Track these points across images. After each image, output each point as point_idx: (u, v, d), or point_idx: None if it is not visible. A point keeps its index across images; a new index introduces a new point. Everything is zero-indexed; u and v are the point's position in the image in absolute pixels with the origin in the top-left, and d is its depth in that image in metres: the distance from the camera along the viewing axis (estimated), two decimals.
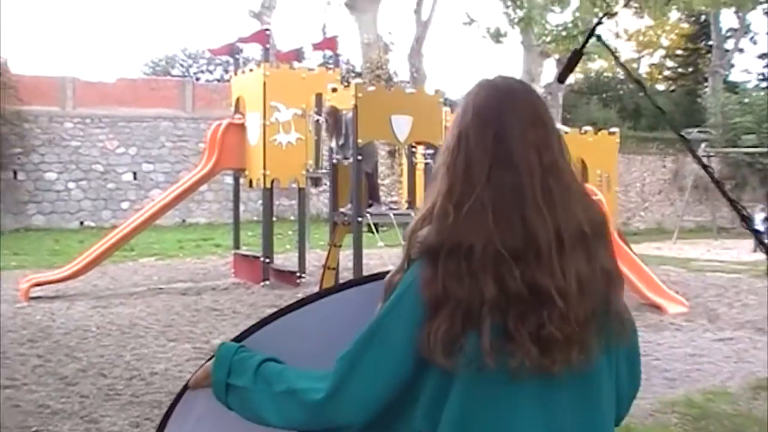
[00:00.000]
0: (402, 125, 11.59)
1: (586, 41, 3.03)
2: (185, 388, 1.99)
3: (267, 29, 14.98)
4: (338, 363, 1.71)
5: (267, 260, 13.81)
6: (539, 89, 31.55)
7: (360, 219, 11.27)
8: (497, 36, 21.41)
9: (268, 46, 14.89)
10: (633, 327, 1.83)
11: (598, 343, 1.71)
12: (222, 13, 70.90)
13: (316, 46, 16.07)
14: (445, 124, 12.30)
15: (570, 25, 13.67)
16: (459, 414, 1.67)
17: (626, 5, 15.80)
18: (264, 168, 13.49)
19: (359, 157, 11.28)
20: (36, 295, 12.64)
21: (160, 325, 10.61)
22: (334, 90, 12.37)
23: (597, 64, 47.99)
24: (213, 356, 1.88)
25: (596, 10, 14.63)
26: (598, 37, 3.04)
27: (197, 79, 37.50)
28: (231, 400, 1.82)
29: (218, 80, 39.52)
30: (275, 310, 2.03)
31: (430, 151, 13.82)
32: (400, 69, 32.02)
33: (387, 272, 1.84)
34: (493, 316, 1.63)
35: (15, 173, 23.87)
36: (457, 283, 1.64)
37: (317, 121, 13.43)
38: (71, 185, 24.32)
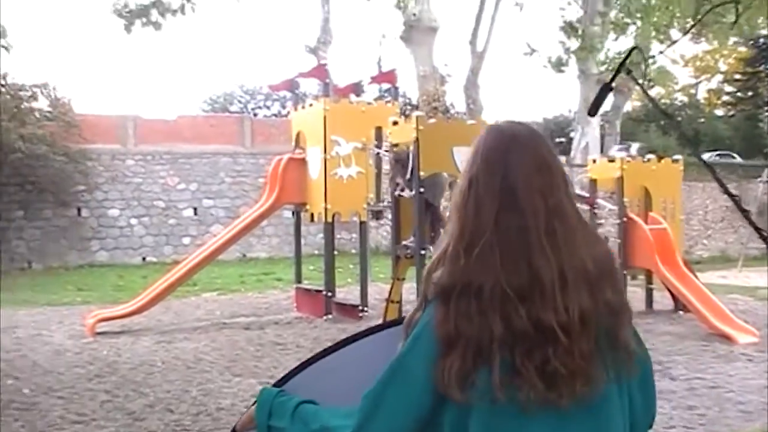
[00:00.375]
0: (464, 157, 11.53)
1: (615, 75, 3.10)
2: (233, 431, 2.18)
3: (325, 64, 15.08)
4: (363, 400, 1.84)
5: (329, 294, 13.78)
6: (597, 117, 31.32)
7: (423, 252, 11.22)
8: (558, 65, 21.32)
9: (327, 80, 14.98)
10: (643, 358, 1.91)
11: (605, 375, 1.80)
12: (278, 49, 71.83)
13: (375, 79, 16.10)
14: None
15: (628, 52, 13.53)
16: None
17: (686, 33, 15.62)
18: (325, 202, 13.51)
19: (422, 189, 11.26)
20: (102, 330, 12.79)
21: (224, 360, 10.63)
22: (395, 123, 12.38)
23: (654, 91, 47.52)
24: (256, 401, 2.10)
25: (654, 34, 14.48)
26: (628, 71, 3.09)
27: (255, 114, 37.99)
28: None
29: (275, 115, 40.00)
30: (316, 352, 2.23)
31: None
32: (457, 100, 32.02)
33: (385, 325, 2.11)
34: (502, 353, 1.73)
35: (79, 210, 24.32)
36: (467, 322, 1.75)
37: (377, 154, 13.44)
38: (133, 221, 24.69)
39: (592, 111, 3.62)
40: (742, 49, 44.01)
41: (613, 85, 3.14)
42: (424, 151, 11.30)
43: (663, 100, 48.19)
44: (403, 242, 11.89)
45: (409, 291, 12.60)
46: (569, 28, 14.94)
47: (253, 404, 2.10)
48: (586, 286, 1.79)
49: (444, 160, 11.47)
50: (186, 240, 24.73)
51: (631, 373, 1.86)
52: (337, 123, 13.71)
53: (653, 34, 14.12)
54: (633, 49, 3.56)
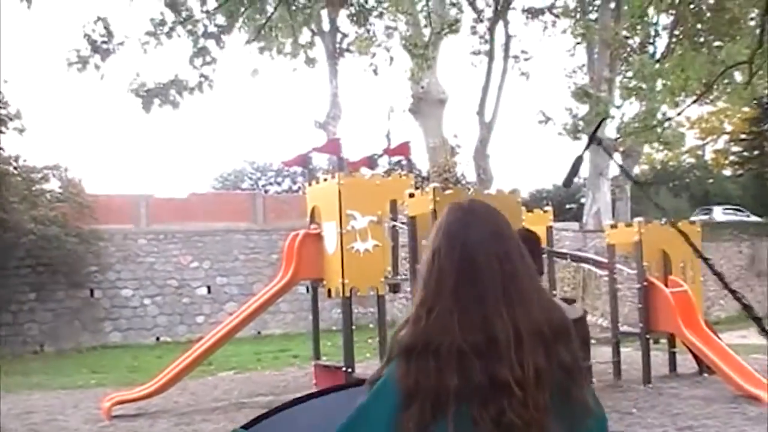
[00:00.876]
0: None
1: (588, 146, 3.42)
2: None
3: (338, 138, 15.11)
4: None
5: (349, 369, 13.57)
6: (607, 182, 31.36)
7: None
8: (575, 132, 21.40)
9: (341, 154, 15.00)
10: (600, 417, 2.03)
11: (559, 428, 1.92)
12: (288, 125, 72.56)
13: (389, 152, 16.13)
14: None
15: (644, 116, 13.56)
16: None
17: (702, 95, 15.68)
18: (343, 277, 13.37)
19: None
20: (118, 414, 12.59)
21: None
22: (412, 195, 12.32)
23: (661, 155, 47.70)
24: None
25: (669, 98, 14.53)
26: (599, 142, 3.34)
27: (266, 191, 38.13)
28: None
29: (287, 191, 40.15)
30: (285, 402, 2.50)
31: None
32: (467, 170, 32.12)
33: (352, 385, 2.35)
34: (458, 405, 1.87)
35: (92, 291, 24.26)
36: (426, 377, 1.90)
37: (393, 227, 13.36)
38: (147, 301, 24.59)
39: (567, 182, 3.87)
40: (746, 109, 44.22)
41: (584, 155, 3.35)
42: None
43: (671, 163, 48.37)
44: None
45: None
46: (583, 94, 15.01)
47: None
48: (542, 346, 1.95)
49: None
50: (200, 319, 24.60)
51: (584, 429, 1.99)
52: (352, 197, 13.65)
53: (668, 98, 14.16)
54: (603, 119, 3.40)
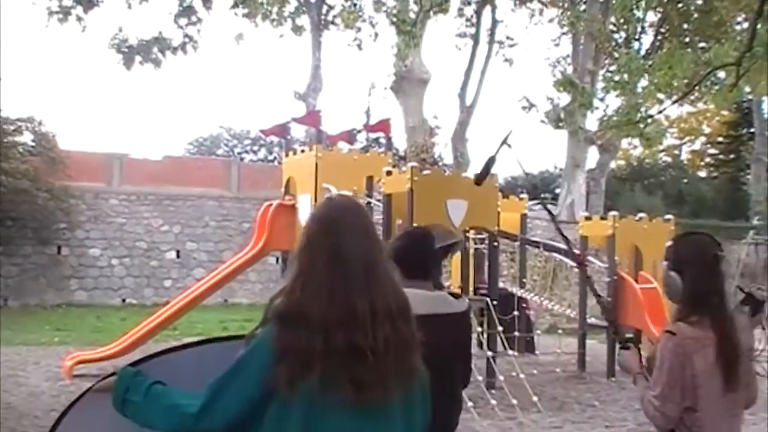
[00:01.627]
0: (457, 210, 11.43)
1: (499, 149, 3.74)
2: (89, 389, 2.73)
3: (319, 110, 14.98)
4: (209, 387, 2.41)
5: None
6: (583, 174, 31.44)
7: None
8: (557, 121, 21.36)
9: (320, 127, 14.88)
10: (423, 378, 2.55)
11: (398, 387, 2.44)
12: (267, 94, 71.86)
13: (369, 128, 16.02)
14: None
15: (628, 110, 13.53)
16: (299, 430, 2.34)
17: (687, 94, 15.66)
18: None
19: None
20: (79, 373, 12.46)
21: None
22: (389, 173, 12.25)
23: (638, 151, 47.86)
24: (113, 373, 2.60)
25: (654, 95, 14.51)
26: (510, 146, 3.73)
27: (242, 159, 37.85)
28: (126, 410, 2.54)
29: (262, 160, 39.86)
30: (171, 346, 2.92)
31: (482, 236, 13.68)
32: (445, 153, 32.09)
33: (235, 337, 2.77)
34: (322, 365, 2.31)
35: (59, 248, 24.02)
36: (296, 340, 2.33)
37: (369, 203, 13.30)
38: (114, 262, 24.39)
39: (478, 180, 4.27)
40: (725, 112, 44.42)
41: (497, 156, 3.75)
42: (417, 202, 11.17)
43: (647, 161, 48.52)
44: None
45: None
46: (568, 83, 14.94)
47: (109, 375, 2.62)
48: (389, 321, 2.43)
49: (437, 213, 11.33)
50: (167, 283, 24.43)
51: (414, 388, 2.52)
52: (328, 171, 13.58)
53: (652, 95, 14.15)
54: (509, 134, 3.94)
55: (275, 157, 40.31)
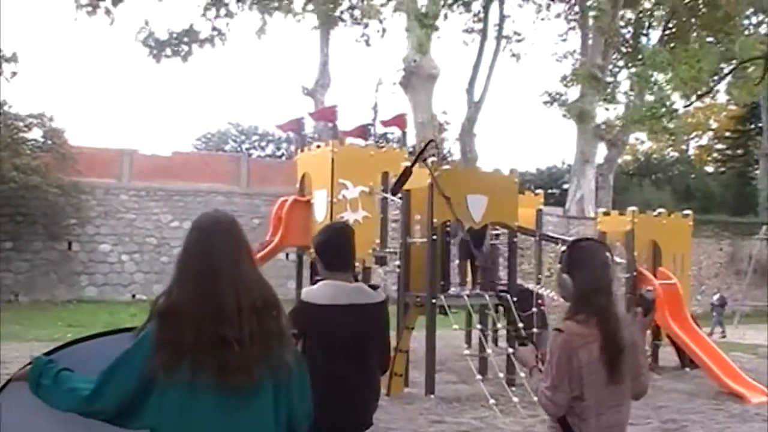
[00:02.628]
0: (477, 205, 11.34)
1: (416, 161, 4.79)
2: (10, 380, 3.13)
3: (335, 106, 14.84)
4: (100, 374, 2.82)
5: None
6: (592, 170, 31.34)
7: (434, 301, 10.96)
8: (581, 116, 21.28)
9: (335, 122, 14.79)
10: (297, 369, 2.92)
11: (266, 374, 2.79)
12: (274, 90, 71.87)
13: (385, 123, 15.92)
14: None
15: (656, 105, 13.39)
16: (177, 411, 2.75)
17: (711, 89, 15.55)
18: None
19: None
20: None
21: None
22: (407, 169, 12.14)
23: (646, 146, 47.73)
24: (31, 363, 3.00)
25: (682, 88, 14.38)
26: (424, 160, 4.87)
27: (249, 155, 37.75)
28: (39, 392, 2.95)
29: (270, 156, 39.78)
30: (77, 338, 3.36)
31: (496, 232, 13.59)
32: (454, 149, 32.01)
33: (127, 329, 3.13)
34: (193, 354, 2.70)
35: (70, 244, 23.98)
36: (170, 334, 2.72)
37: (384, 199, 13.22)
38: (125, 257, 24.35)
39: (394, 190, 5.89)
40: (733, 107, 44.26)
41: (414, 167, 4.17)
42: (437, 197, 11.07)
43: (654, 156, 48.40)
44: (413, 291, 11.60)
45: (417, 339, 12.26)
46: (590, 78, 14.79)
47: (28, 365, 3.00)
48: (255, 315, 2.79)
49: (458, 208, 11.20)
50: None
51: (287, 377, 2.88)
52: (345, 166, 13.49)
53: (679, 88, 14.02)
54: (430, 142, 4.62)
55: (283, 153, 40.25)
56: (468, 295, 11.48)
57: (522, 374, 11.28)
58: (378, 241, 13.67)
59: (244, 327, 2.78)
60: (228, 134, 42.62)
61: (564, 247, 4.04)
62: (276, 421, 2.93)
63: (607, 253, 3.87)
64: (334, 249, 4.15)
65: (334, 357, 4.00)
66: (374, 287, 4.20)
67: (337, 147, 13.71)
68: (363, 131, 15.60)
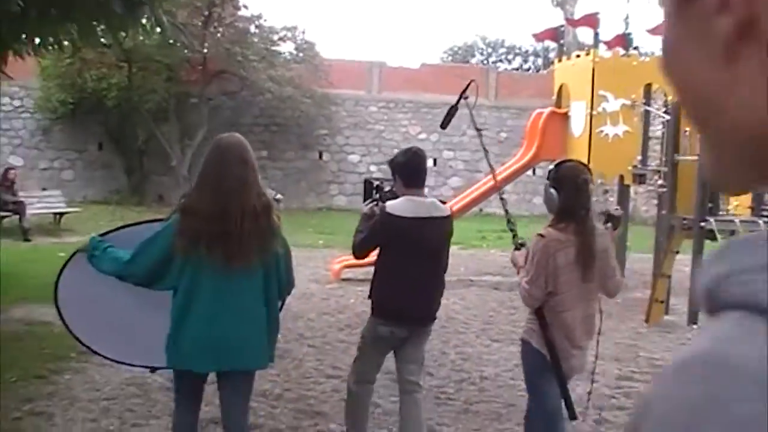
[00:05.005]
0: None
1: (459, 100, 5.12)
2: (76, 252, 4.57)
3: (597, 12, 13.93)
4: (136, 247, 4.13)
5: None
6: None
7: (702, 224, 10.10)
8: None
9: (598, 30, 13.90)
10: (280, 253, 4.24)
11: (258, 259, 4.11)
12: (523, 1, 70.30)
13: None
14: None
15: None
16: (189, 280, 4.08)
17: None
18: (588, 161, 12.53)
19: None
20: (346, 277, 12.56)
21: (479, 322, 10.08)
22: None
23: None
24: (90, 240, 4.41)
25: None
26: (467, 98, 5.09)
27: (497, 67, 37.10)
28: (92, 261, 4.29)
29: (516, 69, 38.96)
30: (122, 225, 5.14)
31: None
32: None
33: (160, 219, 4.66)
34: (207, 241, 4.00)
35: (320, 154, 24.59)
36: (189, 225, 4.01)
37: (647, 113, 12.33)
38: (373, 168, 24.62)
39: (444, 125, 5.52)
40: None
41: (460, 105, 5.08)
42: None
43: None
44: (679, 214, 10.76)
45: (681, 263, 11.40)
46: None
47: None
48: (254, 217, 4.03)
49: None
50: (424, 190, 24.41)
51: (271, 260, 4.19)
52: (605, 77, 12.70)
53: None
54: (471, 81, 5.29)
55: (530, 67, 39.26)
56: (742, 221, 10.50)
57: None
58: (639, 157, 12.87)
59: (246, 226, 4.02)
60: (475, 46, 41.98)
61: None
62: (265, 291, 4.23)
63: (588, 174, 4.56)
64: (413, 169, 5.08)
65: (414, 261, 4.88)
66: (443, 202, 5.21)
67: (598, 56, 12.91)
68: (623, 40, 14.56)
